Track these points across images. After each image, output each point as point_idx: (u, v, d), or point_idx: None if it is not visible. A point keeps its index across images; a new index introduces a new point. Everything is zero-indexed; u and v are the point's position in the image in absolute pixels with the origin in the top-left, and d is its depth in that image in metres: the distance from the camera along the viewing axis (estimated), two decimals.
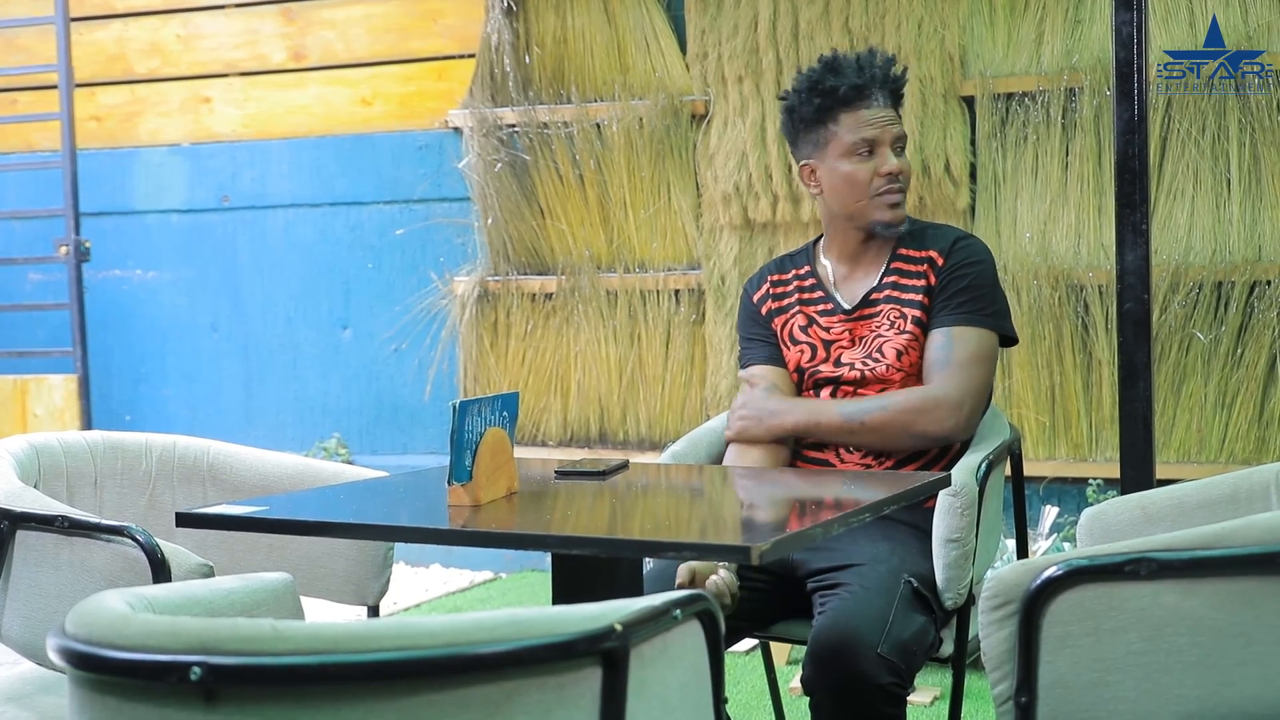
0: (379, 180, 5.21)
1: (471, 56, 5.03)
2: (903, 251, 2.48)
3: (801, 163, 2.51)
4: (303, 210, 5.33)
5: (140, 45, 5.56)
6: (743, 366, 2.57)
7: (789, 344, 2.52)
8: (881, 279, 2.47)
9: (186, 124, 5.50)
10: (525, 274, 4.97)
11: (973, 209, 4.36)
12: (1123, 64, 2.73)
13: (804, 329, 2.51)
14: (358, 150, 5.24)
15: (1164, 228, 4.12)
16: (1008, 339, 2.46)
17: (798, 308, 2.53)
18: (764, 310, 2.56)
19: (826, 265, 2.55)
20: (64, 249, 5.12)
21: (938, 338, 2.40)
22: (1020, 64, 4.31)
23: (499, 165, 4.90)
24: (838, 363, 2.46)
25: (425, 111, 5.14)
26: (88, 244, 5.15)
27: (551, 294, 4.91)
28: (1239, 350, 4.06)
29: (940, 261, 2.44)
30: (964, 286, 2.42)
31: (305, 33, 5.32)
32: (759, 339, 2.56)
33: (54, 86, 5.19)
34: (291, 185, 5.34)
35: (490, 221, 4.95)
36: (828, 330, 2.49)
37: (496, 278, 4.96)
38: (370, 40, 5.24)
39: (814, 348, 2.49)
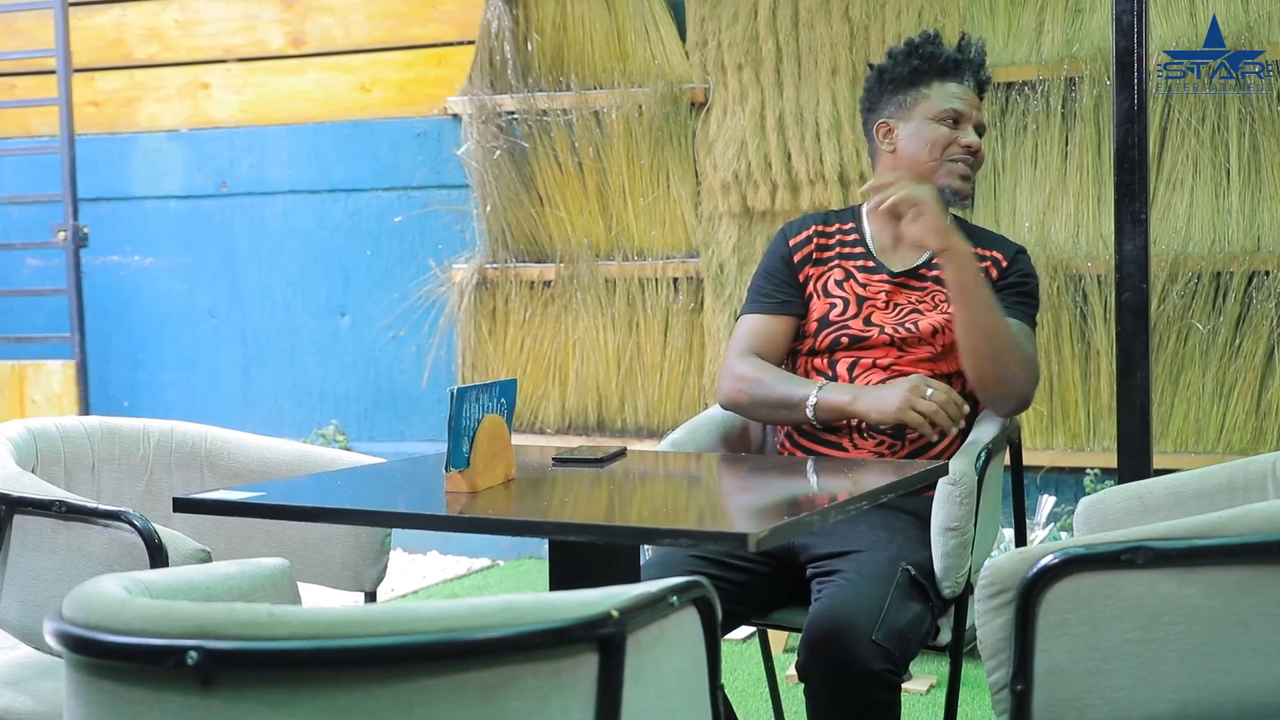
0: (378, 167, 5.21)
1: (471, 43, 5.02)
2: None
3: (879, 120, 2.56)
4: (301, 196, 5.32)
5: (139, 30, 5.55)
6: (746, 310, 2.56)
7: (820, 295, 2.52)
8: (933, 258, 2.48)
9: (185, 110, 5.49)
10: (524, 261, 4.96)
11: (972, 198, 4.35)
12: (1123, 53, 2.73)
13: (840, 283, 2.51)
14: (356, 137, 5.24)
15: (1163, 218, 4.12)
16: None
17: (837, 261, 2.54)
18: (797, 257, 2.55)
19: (870, 230, 2.56)
20: (62, 234, 5.11)
21: (1013, 324, 2.43)
22: (1020, 53, 4.31)
23: (498, 152, 4.90)
24: (868, 321, 2.47)
25: (424, 98, 5.13)
26: (86, 229, 5.14)
27: (550, 282, 4.91)
28: (1237, 340, 4.07)
29: (1004, 263, 2.51)
30: (1027, 291, 2.50)
31: (304, 18, 5.31)
32: (774, 286, 2.55)
33: (52, 71, 5.18)
34: (290, 171, 5.33)
35: (489, 209, 4.94)
36: (864, 287, 2.50)
37: (495, 265, 4.96)
38: (369, 26, 5.23)
39: (846, 302, 2.49)
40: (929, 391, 2.31)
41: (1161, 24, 4.11)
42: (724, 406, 2.53)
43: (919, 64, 2.53)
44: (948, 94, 2.51)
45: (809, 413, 2.38)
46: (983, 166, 2.60)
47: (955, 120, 2.51)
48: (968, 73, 2.54)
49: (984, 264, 2.50)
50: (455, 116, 5.04)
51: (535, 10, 4.92)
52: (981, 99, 2.58)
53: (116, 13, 5.57)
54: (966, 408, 2.35)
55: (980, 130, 2.54)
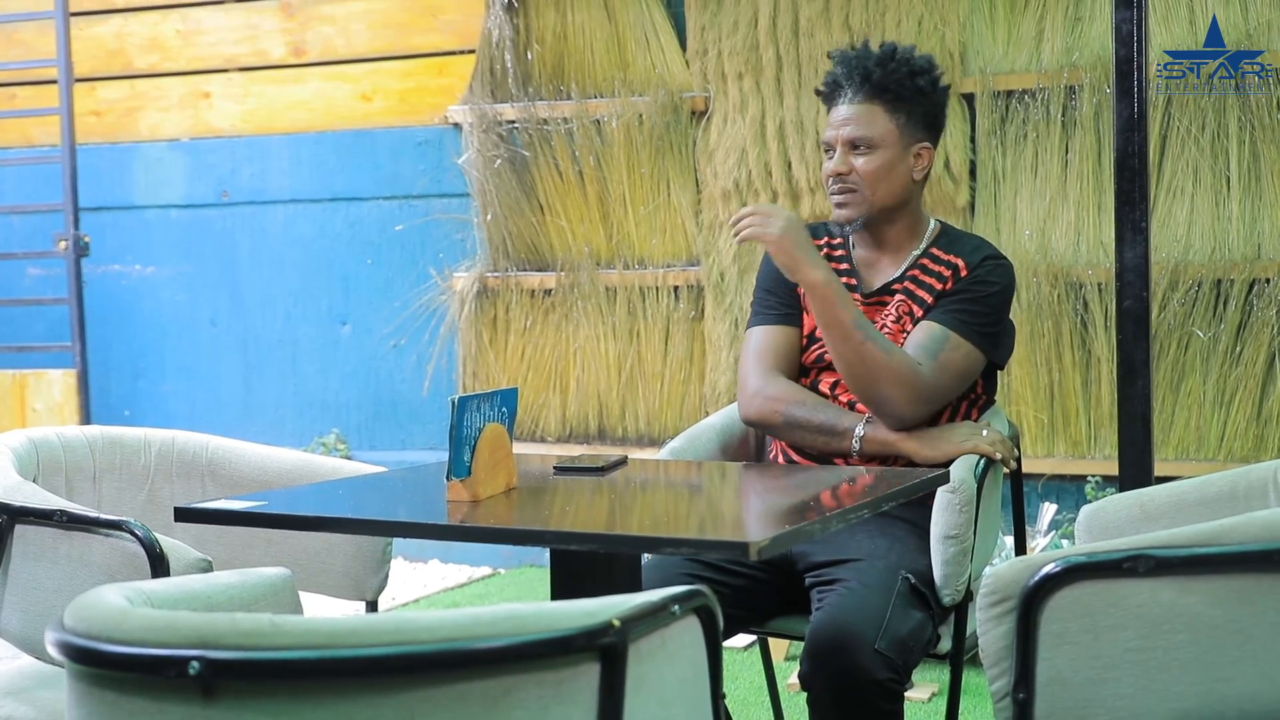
0: (378, 176, 5.21)
1: (472, 52, 5.02)
2: (933, 250, 2.48)
3: None
4: (302, 206, 5.33)
5: (140, 40, 5.56)
6: (753, 323, 2.54)
7: (808, 309, 2.50)
8: (905, 271, 2.47)
9: (186, 119, 5.49)
10: (524, 270, 4.96)
11: (972, 206, 4.37)
12: (1123, 62, 2.74)
13: None
14: (357, 146, 5.24)
15: (1163, 225, 4.13)
16: (994, 365, 2.48)
17: None
18: None
19: (854, 244, 2.55)
20: (63, 244, 5.11)
21: (934, 329, 2.38)
22: (1020, 61, 4.31)
23: (499, 161, 4.90)
24: None
25: (425, 107, 5.14)
26: (87, 239, 5.15)
27: (551, 290, 4.91)
28: (1238, 348, 4.07)
29: (964, 272, 2.44)
30: (976, 297, 2.42)
31: (305, 28, 5.32)
32: (778, 298, 2.53)
33: (53, 81, 5.19)
34: (291, 181, 5.34)
35: (490, 217, 4.95)
36: None
37: (496, 274, 4.96)
38: (370, 36, 5.24)
39: None
40: (984, 431, 2.33)
41: (1161, 32, 4.11)
42: (750, 423, 2.50)
43: (819, 98, 2.54)
44: (827, 124, 2.49)
45: (855, 445, 2.36)
46: (900, 176, 2.43)
47: (830, 150, 2.47)
48: (844, 89, 2.45)
49: (943, 270, 2.45)
50: (456, 125, 5.04)
51: (536, 19, 4.92)
52: (896, 99, 2.44)
53: (118, 22, 5.58)
54: (1014, 451, 2.38)
55: (861, 144, 2.43)
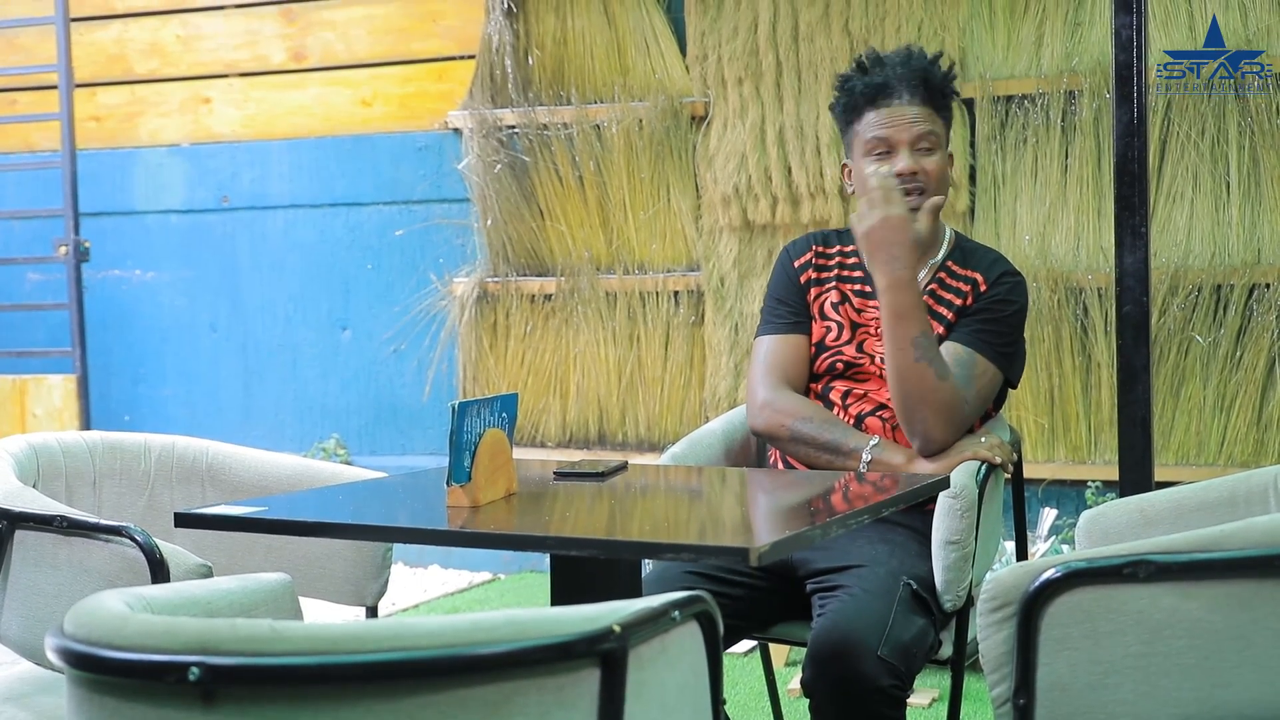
0: (379, 181, 5.22)
1: (471, 58, 5.03)
2: (950, 264, 2.48)
3: (842, 163, 2.53)
4: (302, 211, 5.33)
5: (140, 45, 5.56)
6: (763, 331, 2.53)
7: (818, 317, 2.50)
8: (926, 285, 2.46)
9: (186, 124, 5.50)
10: (524, 275, 4.97)
11: (972, 211, 4.37)
12: (1122, 67, 2.74)
13: (835, 306, 2.50)
14: (357, 151, 5.25)
15: (1163, 230, 4.13)
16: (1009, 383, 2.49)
17: (835, 283, 2.52)
18: (803, 278, 2.53)
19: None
20: (63, 249, 5.12)
21: (960, 353, 2.38)
22: (1020, 66, 4.32)
23: (499, 166, 4.90)
24: (860, 349, 2.46)
25: (425, 112, 5.14)
26: (87, 244, 5.15)
27: (551, 295, 4.91)
28: (1238, 353, 4.07)
29: (983, 288, 2.44)
30: (996, 317, 2.42)
31: (305, 33, 5.32)
32: (788, 307, 2.53)
33: (54, 87, 5.19)
34: (291, 186, 5.34)
35: (490, 222, 4.95)
36: (859, 312, 2.48)
37: (496, 279, 4.96)
38: (370, 41, 5.24)
39: (841, 327, 2.48)
40: (981, 438, 2.34)
41: (1160, 37, 4.12)
42: (757, 434, 2.50)
43: (847, 100, 2.47)
44: (875, 123, 2.41)
45: (861, 467, 2.36)
46: (948, 180, 2.45)
47: (887, 149, 2.41)
48: (897, 88, 2.42)
49: (961, 285, 2.45)
50: (456, 131, 5.05)
51: (536, 25, 4.93)
52: (942, 104, 2.44)
53: (118, 28, 5.58)
54: (1014, 455, 2.38)
55: (928, 143, 2.41)
